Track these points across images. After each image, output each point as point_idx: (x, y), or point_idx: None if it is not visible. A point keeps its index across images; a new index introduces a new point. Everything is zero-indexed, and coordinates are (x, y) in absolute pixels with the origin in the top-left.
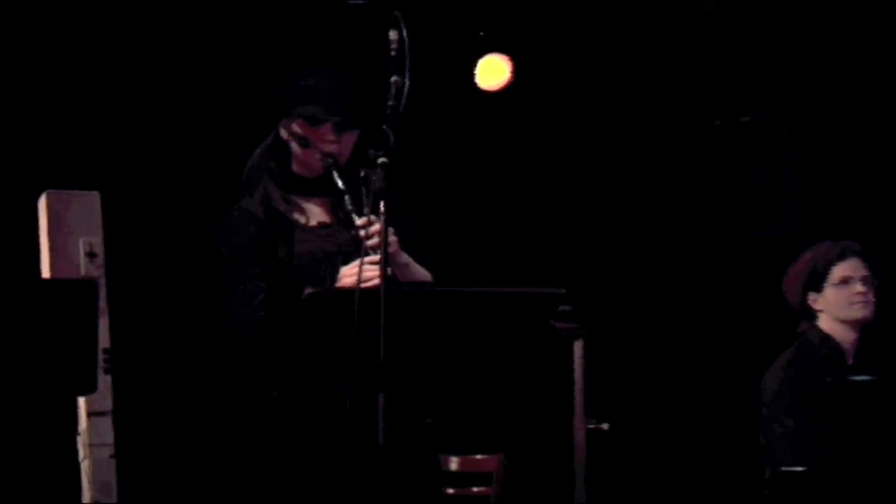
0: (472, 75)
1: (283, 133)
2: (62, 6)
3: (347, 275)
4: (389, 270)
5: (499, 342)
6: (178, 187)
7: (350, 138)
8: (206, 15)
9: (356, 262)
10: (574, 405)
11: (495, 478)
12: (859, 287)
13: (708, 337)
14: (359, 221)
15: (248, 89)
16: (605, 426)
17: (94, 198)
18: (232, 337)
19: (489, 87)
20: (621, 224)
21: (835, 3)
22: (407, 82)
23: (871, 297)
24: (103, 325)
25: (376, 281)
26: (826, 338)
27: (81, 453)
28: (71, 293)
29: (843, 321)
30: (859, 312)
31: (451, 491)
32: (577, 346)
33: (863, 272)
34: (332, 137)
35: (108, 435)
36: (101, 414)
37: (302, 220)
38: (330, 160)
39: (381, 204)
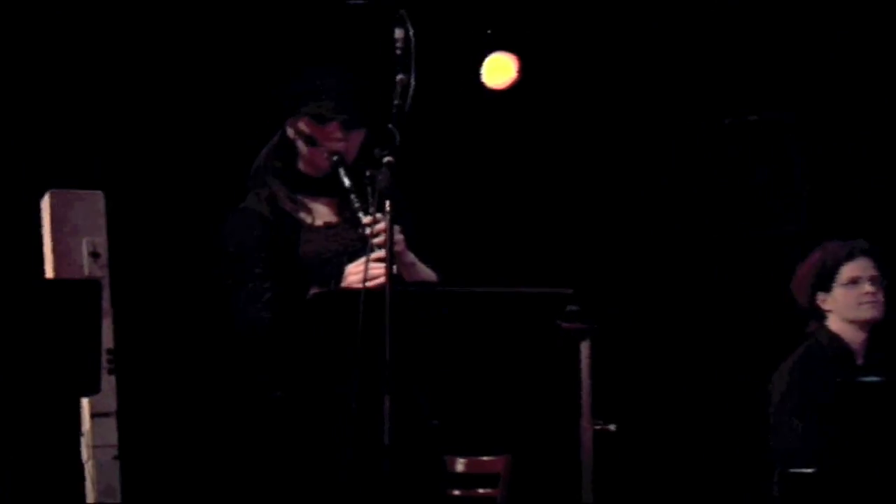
0: (478, 74)
1: (290, 132)
2: (65, 5)
3: (353, 272)
4: (395, 269)
5: (505, 342)
6: (182, 187)
7: (357, 137)
8: (210, 14)
9: (362, 260)
10: (581, 406)
11: (502, 479)
12: (868, 287)
13: (716, 337)
14: (365, 220)
15: (252, 89)
16: (613, 427)
17: (97, 197)
18: (236, 337)
19: (496, 85)
20: (629, 223)
21: (845, 1)
22: (412, 81)
23: (880, 297)
24: (107, 325)
25: (382, 280)
26: (835, 338)
27: (85, 455)
28: (74, 293)
29: (852, 321)
30: (868, 313)
31: (457, 492)
32: (584, 347)
33: (872, 272)
34: (339, 136)
35: (111, 436)
36: (105, 415)
37: (308, 219)
38: (337, 158)
39: (387, 203)
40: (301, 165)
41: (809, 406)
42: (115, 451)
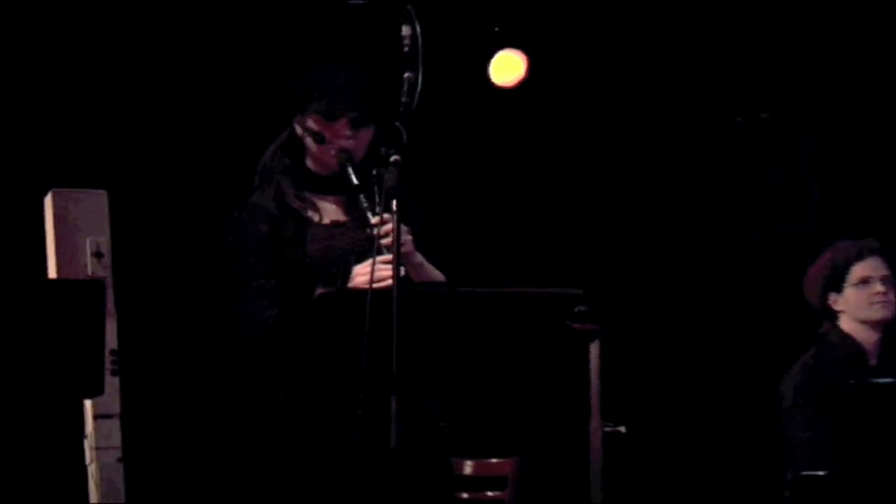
0: (486, 71)
1: (298, 129)
2: (66, 4)
3: (360, 273)
4: (403, 270)
5: (514, 343)
6: (186, 186)
7: (366, 134)
8: (213, 12)
9: (369, 261)
10: (590, 408)
11: (510, 482)
12: (879, 287)
13: (727, 338)
14: (373, 220)
15: (257, 87)
16: (623, 429)
17: (101, 196)
18: (241, 336)
19: (504, 83)
20: (639, 223)
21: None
22: (420, 78)
23: (891, 296)
24: (110, 326)
25: (389, 281)
26: (847, 339)
27: (88, 457)
28: (77, 294)
29: (864, 322)
30: (879, 313)
31: (465, 495)
32: (594, 348)
33: (883, 271)
34: (347, 133)
35: (115, 438)
36: (109, 416)
37: (315, 217)
38: (345, 156)
39: (394, 203)
40: (309, 163)
41: (821, 407)
42: (118, 454)
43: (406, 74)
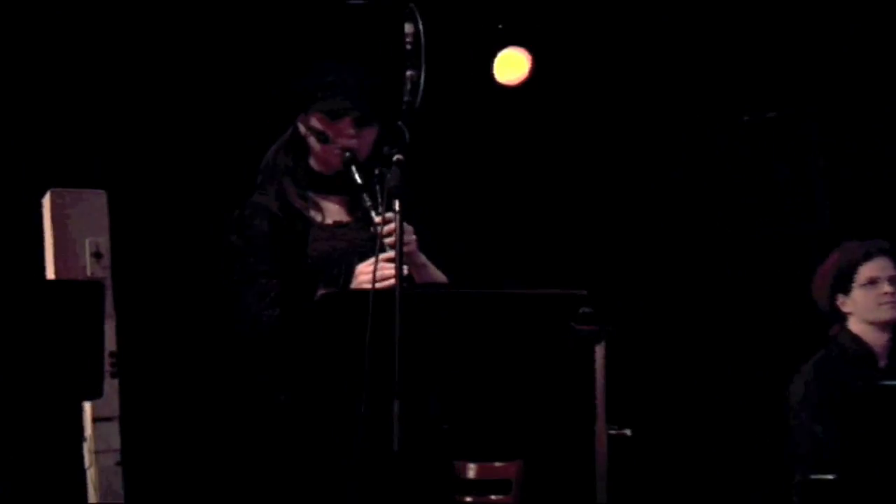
0: (490, 69)
1: (301, 128)
2: (66, 4)
3: (364, 272)
4: (406, 270)
5: (518, 345)
6: (186, 186)
7: (370, 134)
8: (214, 11)
9: (372, 261)
10: (595, 410)
11: (514, 485)
12: (887, 287)
13: (734, 340)
14: (377, 219)
15: (258, 86)
16: (628, 432)
17: (100, 197)
18: (241, 336)
19: (508, 81)
20: (645, 223)
21: None
22: (423, 77)
23: None
24: (109, 327)
25: (392, 281)
26: (856, 340)
27: (87, 460)
28: (76, 295)
29: (872, 323)
30: (888, 313)
31: (468, 499)
32: (599, 350)
33: (891, 272)
34: (351, 132)
35: (114, 441)
36: (108, 419)
37: (318, 217)
38: (349, 155)
39: (396, 202)
40: (312, 162)
41: (829, 410)
42: (117, 457)
43: (409, 73)
